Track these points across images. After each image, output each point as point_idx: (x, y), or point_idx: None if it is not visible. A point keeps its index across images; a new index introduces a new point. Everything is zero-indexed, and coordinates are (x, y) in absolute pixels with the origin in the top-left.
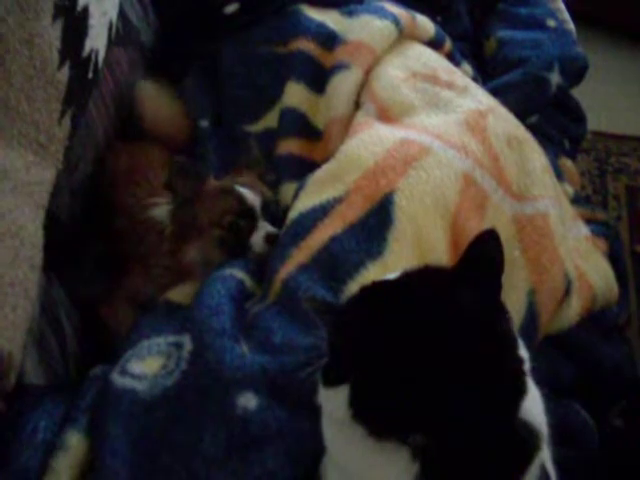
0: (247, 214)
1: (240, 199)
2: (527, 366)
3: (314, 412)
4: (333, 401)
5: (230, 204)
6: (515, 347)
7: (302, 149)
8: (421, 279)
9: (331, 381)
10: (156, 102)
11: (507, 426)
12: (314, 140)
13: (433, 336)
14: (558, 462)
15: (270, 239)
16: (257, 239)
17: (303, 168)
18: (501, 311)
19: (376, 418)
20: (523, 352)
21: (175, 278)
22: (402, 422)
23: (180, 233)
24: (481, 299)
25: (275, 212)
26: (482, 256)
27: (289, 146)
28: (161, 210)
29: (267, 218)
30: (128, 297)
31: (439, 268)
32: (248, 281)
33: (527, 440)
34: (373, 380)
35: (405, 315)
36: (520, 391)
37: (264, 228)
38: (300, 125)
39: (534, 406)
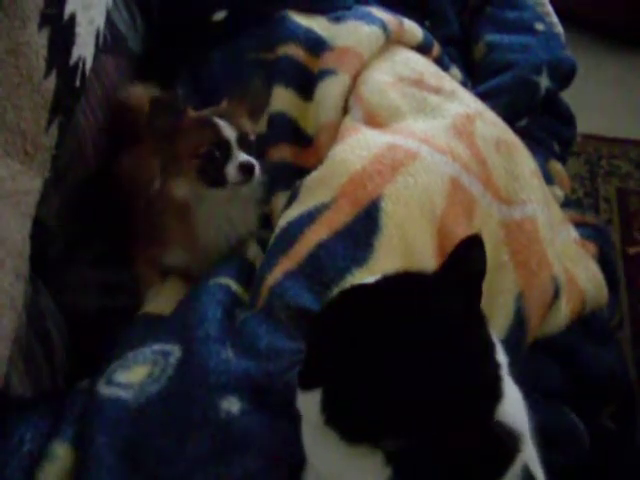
0: (222, 144)
1: (215, 130)
2: (504, 370)
3: (297, 417)
4: (308, 405)
5: (205, 135)
6: (492, 352)
7: (294, 156)
8: (399, 284)
9: (305, 385)
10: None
11: (481, 430)
12: (305, 146)
13: (407, 341)
14: (548, 466)
15: (244, 168)
16: (231, 169)
17: (295, 175)
18: (479, 316)
19: (348, 423)
20: (501, 357)
21: (181, 227)
22: (374, 427)
23: (165, 169)
24: (459, 304)
25: (251, 144)
26: (464, 261)
27: (281, 153)
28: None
29: (244, 149)
30: (148, 262)
31: (418, 273)
32: (238, 289)
33: (505, 443)
34: (345, 385)
35: (379, 320)
36: (495, 395)
37: (238, 158)
38: (290, 131)
39: (514, 408)
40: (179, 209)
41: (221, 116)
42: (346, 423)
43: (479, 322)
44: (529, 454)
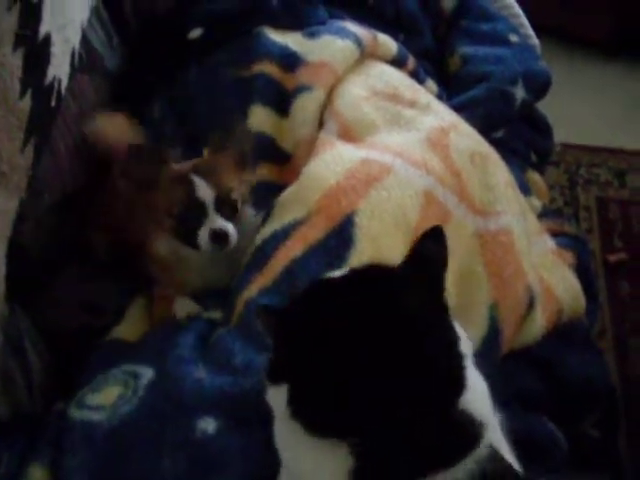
0: (196, 206)
1: (190, 189)
2: (469, 360)
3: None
4: (276, 399)
5: (180, 194)
6: (455, 343)
7: (274, 174)
8: (365, 277)
9: (273, 379)
10: (117, 133)
11: (444, 419)
12: (284, 164)
13: (371, 334)
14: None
15: (216, 236)
16: (202, 234)
17: (276, 194)
18: (442, 307)
19: (313, 417)
20: (465, 347)
21: (166, 277)
22: (339, 420)
23: (142, 222)
24: (422, 296)
25: (233, 204)
26: (426, 253)
27: (261, 172)
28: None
29: (222, 211)
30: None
31: (384, 266)
32: (215, 314)
33: (467, 430)
34: (310, 379)
35: (343, 313)
36: (458, 386)
37: (212, 224)
38: (270, 150)
39: (477, 396)
40: (162, 264)
41: (202, 171)
42: (311, 417)
43: (442, 313)
44: (496, 440)
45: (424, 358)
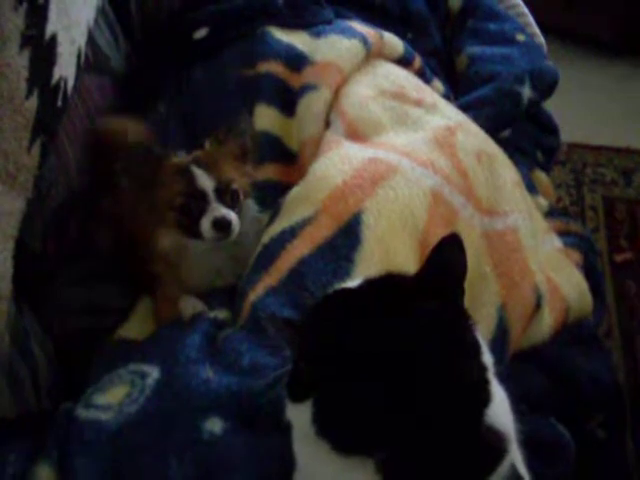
0: (197, 196)
1: (191, 180)
2: (491, 372)
3: (281, 432)
4: (299, 416)
5: (181, 186)
6: (478, 354)
7: (280, 174)
8: (383, 288)
9: (295, 396)
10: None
11: (471, 434)
12: (290, 163)
13: (394, 347)
14: (535, 478)
15: (218, 225)
16: (205, 223)
17: (282, 194)
18: (464, 317)
19: (339, 433)
20: (487, 358)
21: (168, 273)
22: (366, 437)
23: (145, 220)
24: (444, 306)
25: (234, 194)
26: (444, 262)
27: (266, 172)
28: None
29: (223, 200)
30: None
31: (401, 276)
32: (220, 314)
33: (493, 446)
34: (335, 395)
35: (364, 327)
36: (484, 400)
37: (214, 212)
38: (275, 149)
39: (500, 410)
40: (166, 260)
41: (202, 163)
42: (338, 434)
43: (464, 323)
44: (514, 454)
45: (449, 372)
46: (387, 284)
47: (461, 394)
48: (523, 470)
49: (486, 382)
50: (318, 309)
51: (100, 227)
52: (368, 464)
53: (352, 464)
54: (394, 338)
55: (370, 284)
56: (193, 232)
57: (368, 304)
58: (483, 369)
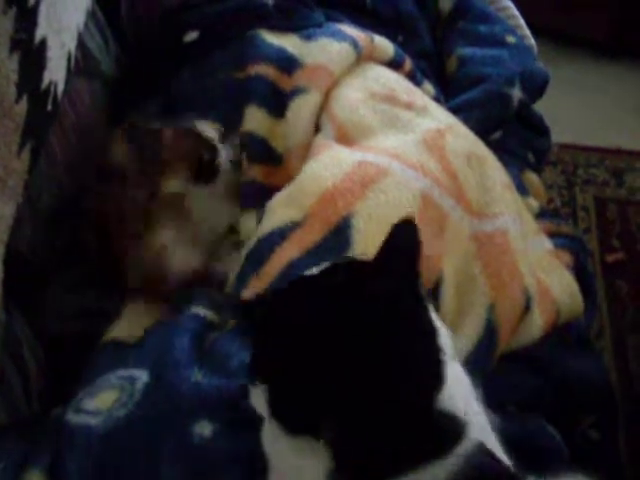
0: (209, 146)
1: (200, 135)
2: (448, 354)
3: None
4: (258, 400)
5: (193, 143)
6: (432, 335)
7: (265, 175)
8: (342, 271)
9: (252, 379)
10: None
11: (421, 416)
12: (275, 165)
13: (343, 328)
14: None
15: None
16: (224, 160)
17: (265, 195)
18: (418, 299)
19: (289, 415)
20: (444, 340)
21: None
22: (312, 417)
23: (149, 171)
24: (397, 289)
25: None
26: (399, 245)
27: (251, 172)
28: None
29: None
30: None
31: (362, 260)
32: (209, 314)
33: (445, 428)
34: (284, 376)
35: (316, 308)
36: (435, 381)
37: (224, 150)
38: (262, 150)
39: (456, 392)
40: (170, 204)
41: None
42: (287, 415)
43: (418, 305)
44: (484, 438)
45: (399, 352)
46: (346, 267)
47: (410, 375)
48: (502, 456)
49: (439, 363)
50: (275, 293)
51: (87, 230)
52: (318, 446)
53: (304, 446)
54: (343, 319)
55: (329, 269)
56: (211, 174)
57: (322, 287)
58: (437, 350)
